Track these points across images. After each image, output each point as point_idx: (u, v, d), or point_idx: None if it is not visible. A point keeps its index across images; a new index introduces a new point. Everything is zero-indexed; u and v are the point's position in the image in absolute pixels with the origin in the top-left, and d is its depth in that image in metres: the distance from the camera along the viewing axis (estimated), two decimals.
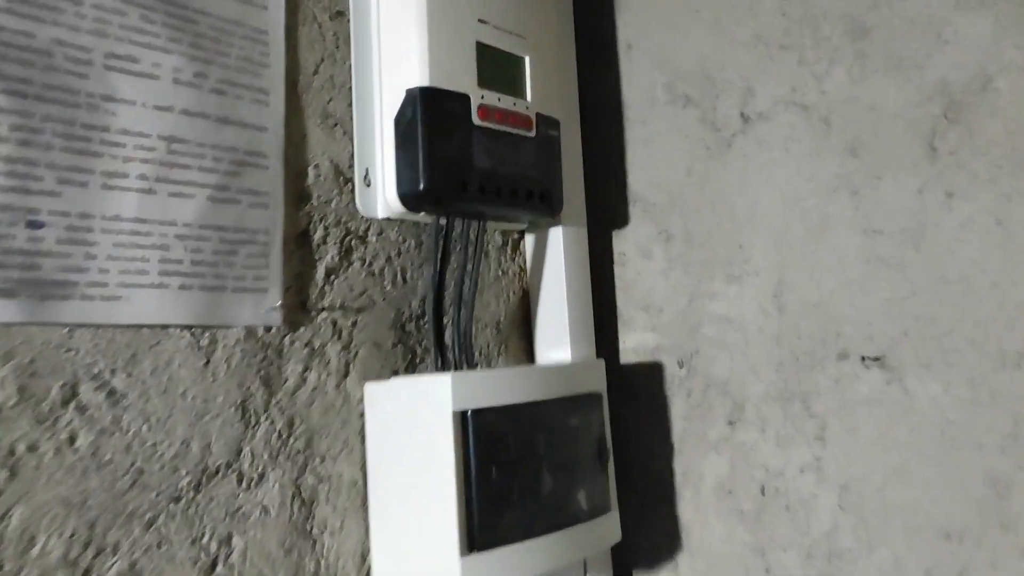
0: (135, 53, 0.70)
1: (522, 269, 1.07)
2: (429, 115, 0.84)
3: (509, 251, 1.05)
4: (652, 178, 1.09)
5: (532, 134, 0.94)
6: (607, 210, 1.13)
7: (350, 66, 0.88)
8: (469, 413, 0.77)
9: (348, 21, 0.88)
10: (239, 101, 0.77)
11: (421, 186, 0.83)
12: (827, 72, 0.93)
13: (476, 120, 0.87)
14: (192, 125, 0.73)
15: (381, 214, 0.87)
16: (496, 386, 0.80)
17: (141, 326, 0.69)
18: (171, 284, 0.71)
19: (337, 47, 0.87)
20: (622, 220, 1.12)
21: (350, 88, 0.88)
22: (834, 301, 0.91)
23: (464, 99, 0.87)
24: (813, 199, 0.93)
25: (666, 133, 1.08)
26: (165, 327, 0.70)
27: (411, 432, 0.79)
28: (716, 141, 1.04)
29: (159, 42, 0.72)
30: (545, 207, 0.96)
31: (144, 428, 0.68)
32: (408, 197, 0.84)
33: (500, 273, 1.04)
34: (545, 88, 0.96)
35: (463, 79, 0.87)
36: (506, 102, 0.91)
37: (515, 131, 0.92)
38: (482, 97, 0.88)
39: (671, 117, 1.08)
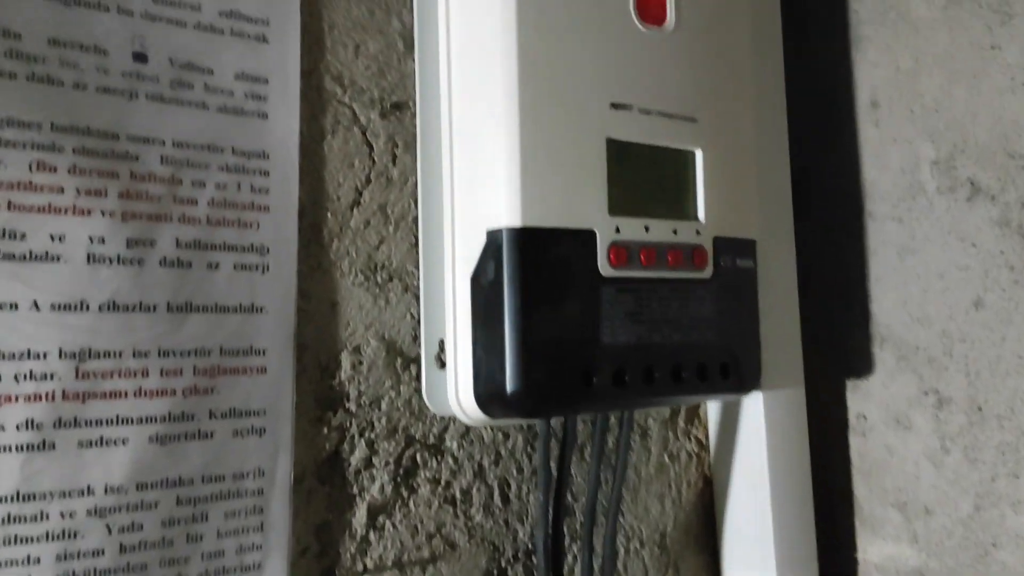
0: (18, 224, 0.43)
1: (702, 447, 0.71)
2: (523, 271, 0.51)
3: (682, 423, 0.70)
4: (914, 308, 0.71)
5: (707, 274, 0.59)
6: (838, 349, 0.75)
7: (415, 186, 0.57)
8: None
9: (413, 116, 0.57)
10: (212, 273, 0.48)
11: (509, 388, 0.51)
12: None
13: (607, 270, 0.54)
14: (122, 326, 0.45)
15: (459, 415, 0.55)
16: None
17: None
18: None
19: (394, 159, 0.56)
20: (862, 367, 0.74)
21: (415, 219, 0.56)
22: None
23: (586, 238, 0.54)
24: None
25: (939, 239, 0.69)
26: None
27: None
28: None
29: (63, 200, 0.44)
30: (730, 384, 0.60)
31: None
32: (490, 402, 0.52)
33: (666, 459, 0.69)
34: (731, 195, 0.61)
35: (583, 206, 0.54)
36: (661, 231, 0.57)
37: (677, 275, 0.57)
38: (617, 230, 0.54)
39: (948, 214, 0.68)
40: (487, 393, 0.52)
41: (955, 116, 0.68)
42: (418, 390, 0.56)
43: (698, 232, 0.59)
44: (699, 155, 0.59)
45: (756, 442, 0.70)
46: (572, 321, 0.53)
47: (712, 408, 0.72)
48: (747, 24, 0.63)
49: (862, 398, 0.75)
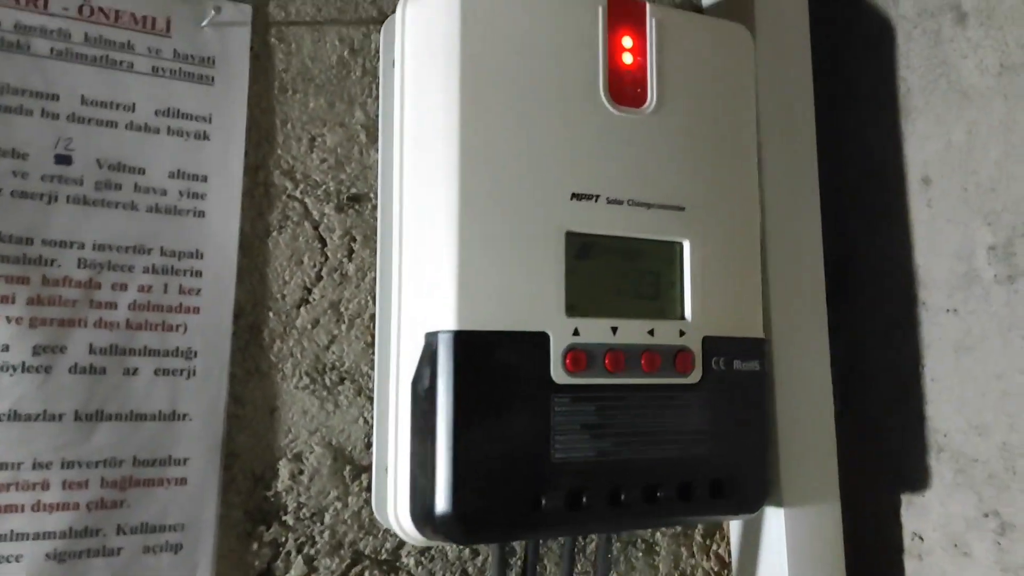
0: None
1: (724, 566, 0.64)
2: (459, 379, 0.47)
3: (699, 537, 0.63)
4: (972, 414, 0.61)
5: (694, 379, 0.52)
6: (890, 458, 0.66)
7: (373, 282, 0.54)
8: None
9: (374, 208, 0.54)
10: (129, 379, 0.47)
11: (438, 510, 0.46)
12: None
13: (561, 376, 0.49)
14: (21, 436, 0.44)
15: (400, 533, 0.51)
16: None
17: None
18: None
19: (350, 254, 0.53)
20: (917, 480, 0.65)
21: (372, 316, 0.53)
22: None
23: (537, 342, 0.48)
24: None
25: (997, 335, 0.60)
26: None
27: None
28: None
29: None
30: (725, 504, 0.53)
31: None
32: (423, 523, 0.47)
33: None
34: (727, 290, 0.54)
35: (534, 306, 0.49)
36: (632, 332, 0.51)
37: (654, 381, 0.51)
38: (575, 332, 0.49)
39: (1006, 307, 0.59)
40: (420, 513, 0.47)
41: (1013, 196, 0.59)
42: (368, 501, 0.52)
43: (682, 332, 0.53)
44: (686, 246, 0.53)
45: (778, 566, 0.61)
46: (517, 435, 0.48)
47: (735, 522, 0.64)
48: (748, 101, 0.57)
49: (917, 515, 0.65)
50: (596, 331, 0.50)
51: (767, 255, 0.61)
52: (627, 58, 0.53)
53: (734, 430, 0.54)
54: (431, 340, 0.47)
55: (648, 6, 0.53)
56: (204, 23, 0.50)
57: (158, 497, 0.47)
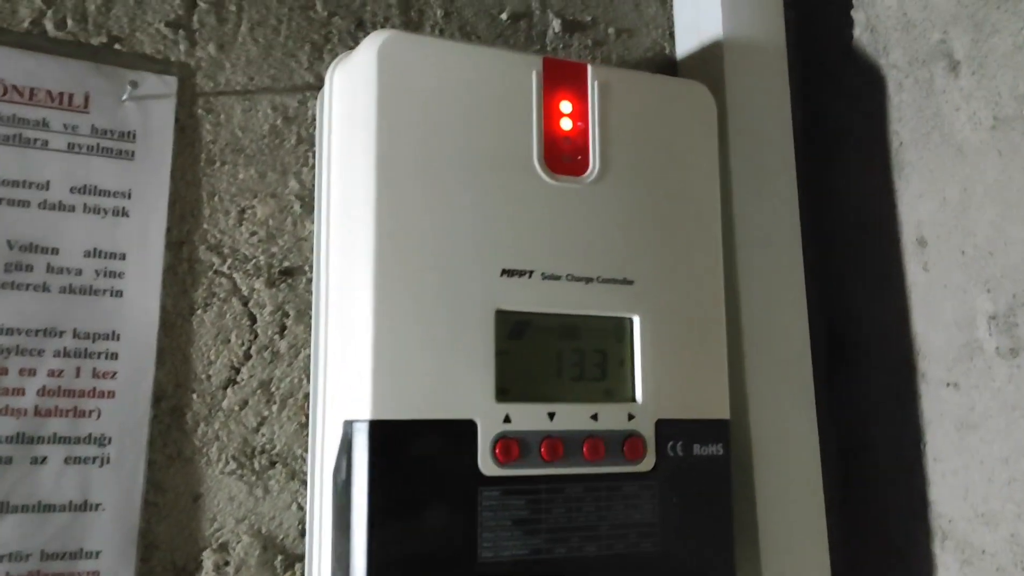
0: None
1: None
2: (375, 472, 0.44)
3: None
4: (977, 500, 0.56)
5: (645, 466, 0.48)
6: (891, 544, 0.61)
7: (308, 359, 0.51)
8: None
9: (309, 281, 0.52)
10: (36, 468, 0.45)
11: None
12: None
13: (490, 467, 0.45)
14: None
15: None
16: None
17: None
18: None
19: (282, 331, 0.51)
20: (920, 570, 0.59)
21: (307, 396, 0.51)
22: None
23: (462, 431, 0.45)
24: None
25: (1001, 414, 0.54)
26: None
27: None
28: None
29: None
30: None
31: None
32: None
33: None
34: (685, 369, 0.50)
35: (459, 393, 0.45)
36: (572, 418, 0.47)
37: (599, 470, 0.47)
38: (506, 419, 0.46)
39: (1011, 383, 0.54)
40: None
41: (1012, 261, 0.54)
42: None
43: (631, 416, 0.49)
44: (636, 322, 0.50)
45: None
46: (440, 533, 0.44)
47: None
48: (710, 164, 0.53)
49: None
50: (530, 417, 0.46)
51: (742, 327, 0.56)
52: (565, 124, 0.49)
53: (694, 522, 0.50)
54: (347, 430, 0.45)
55: (589, 68, 0.50)
56: (124, 97, 0.48)
57: None
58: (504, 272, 0.47)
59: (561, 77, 0.49)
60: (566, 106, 0.50)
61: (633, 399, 0.49)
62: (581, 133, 0.50)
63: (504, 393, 0.46)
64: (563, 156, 0.49)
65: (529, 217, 0.48)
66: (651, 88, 0.52)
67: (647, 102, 0.52)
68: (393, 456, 0.44)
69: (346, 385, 0.45)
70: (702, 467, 0.50)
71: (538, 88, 0.49)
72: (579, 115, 0.50)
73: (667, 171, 0.52)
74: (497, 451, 0.45)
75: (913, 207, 0.60)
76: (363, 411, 0.44)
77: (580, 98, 0.50)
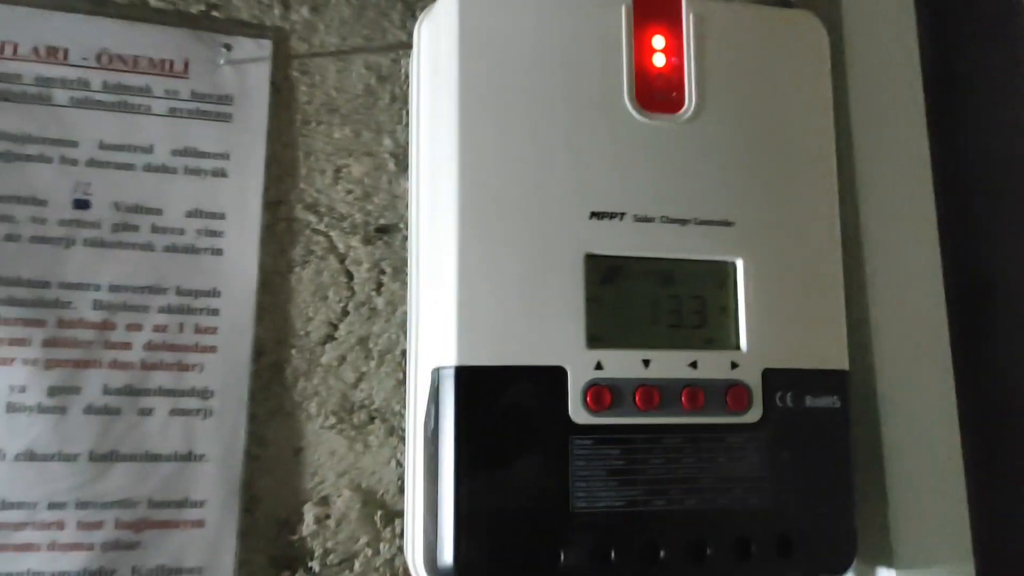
0: None
1: None
2: (462, 420, 0.43)
3: None
4: None
5: (751, 417, 0.45)
6: None
7: (405, 316, 0.51)
8: None
9: (405, 238, 0.52)
10: (143, 419, 0.47)
11: (441, 563, 0.42)
12: None
13: (581, 415, 0.44)
14: (37, 476, 0.45)
15: None
16: None
17: None
18: None
19: (379, 288, 0.51)
20: None
21: (404, 352, 0.51)
22: None
23: (553, 378, 0.44)
24: None
25: None
26: None
27: None
28: None
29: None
30: (800, 564, 0.46)
31: None
32: (432, 575, 0.44)
33: None
34: (797, 315, 0.47)
35: (548, 338, 0.44)
36: (670, 365, 0.45)
37: (700, 420, 0.45)
38: (598, 366, 0.44)
39: None
40: (429, 565, 0.44)
41: None
42: (402, 549, 0.49)
43: (735, 364, 0.46)
44: (739, 266, 0.47)
45: None
46: (530, 482, 0.43)
47: None
48: (822, 99, 0.50)
49: None
50: (624, 364, 0.44)
51: (866, 274, 0.52)
52: (658, 60, 0.47)
53: (808, 477, 0.46)
54: (434, 378, 0.44)
55: (684, 0, 0.48)
56: (221, 62, 0.50)
57: (174, 539, 0.46)
58: (593, 215, 0.45)
59: (653, 11, 0.47)
60: (659, 41, 0.48)
61: (737, 347, 0.46)
62: (676, 69, 0.48)
63: (596, 340, 0.44)
64: (656, 93, 0.47)
65: (620, 157, 0.46)
66: (754, 19, 0.49)
67: (749, 35, 0.49)
68: (480, 403, 0.43)
69: (435, 335, 0.45)
70: (816, 420, 0.47)
71: (628, 23, 0.47)
72: (673, 50, 0.48)
73: (772, 108, 0.49)
74: (588, 399, 0.44)
75: None
76: (449, 358, 0.43)
77: (674, 33, 0.48)
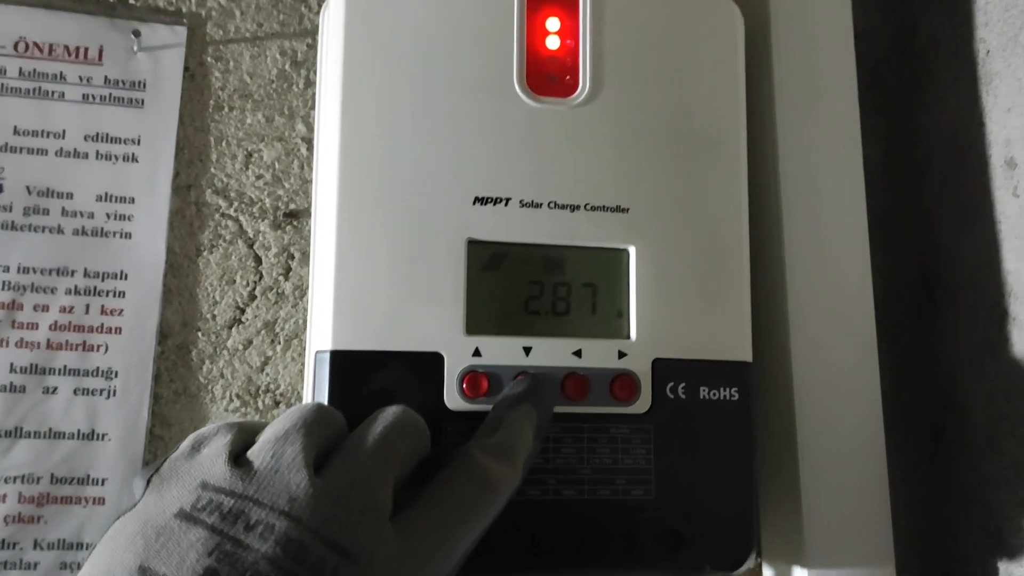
0: None
1: None
2: (339, 404, 0.43)
3: None
4: None
5: (638, 408, 0.45)
6: (983, 515, 0.53)
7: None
8: None
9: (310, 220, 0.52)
10: (48, 398, 0.48)
11: None
12: None
13: (456, 402, 0.43)
14: None
15: None
16: None
17: None
18: None
19: (287, 273, 0.52)
20: (1017, 545, 0.51)
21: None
22: None
23: (428, 364, 0.43)
24: None
25: None
26: None
27: None
28: None
29: None
30: (690, 559, 0.45)
31: None
32: None
33: None
34: (693, 304, 0.46)
35: (426, 323, 0.44)
36: (552, 353, 0.44)
37: (580, 410, 0.44)
38: (476, 353, 0.44)
39: None
40: None
41: None
42: None
43: (622, 354, 0.45)
44: (632, 254, 0.46)
45: None
46: None
47: None
48: (729, 84, 0.48)
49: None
50: (503, 351, 0.44)
51: (786, 263, 0.51)
52: (552, 42, 0.46)
53: (700, 469, 0.45)
54: (314, 362, 0.44)
55: None
56: (135, 48, 0.51)
57: (76, 515, 0.48)
58: (477, 200, 0.45)
59: None
60: (553, 23, 0.47)
61: (627, 336, 0.45)
62: (570, 52, 0.47)
63: (475, 326, 0.44)
64: (548, 77, 0.46)
65: (507, 141, 0.45)
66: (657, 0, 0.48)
67: (653, 15, 0.48)
68: (354, 387, 0.43)
69: (317, 319, 0.45)
70: (712, 412, 0.46)
71: (520, 5, 0.46)
72: (568, 32, 0.47)
73: (675, 91, 0.47)
74: (465, 385, 0.43)
75: (1002, 124, 0.52)
76: (326, 342, 0.43)
77: (570, 14, 0.47)
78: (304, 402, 0.43)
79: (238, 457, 0.35)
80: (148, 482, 0.35)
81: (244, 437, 0.36)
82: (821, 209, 0.52)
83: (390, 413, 0.38)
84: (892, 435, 0.52)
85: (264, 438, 0.36)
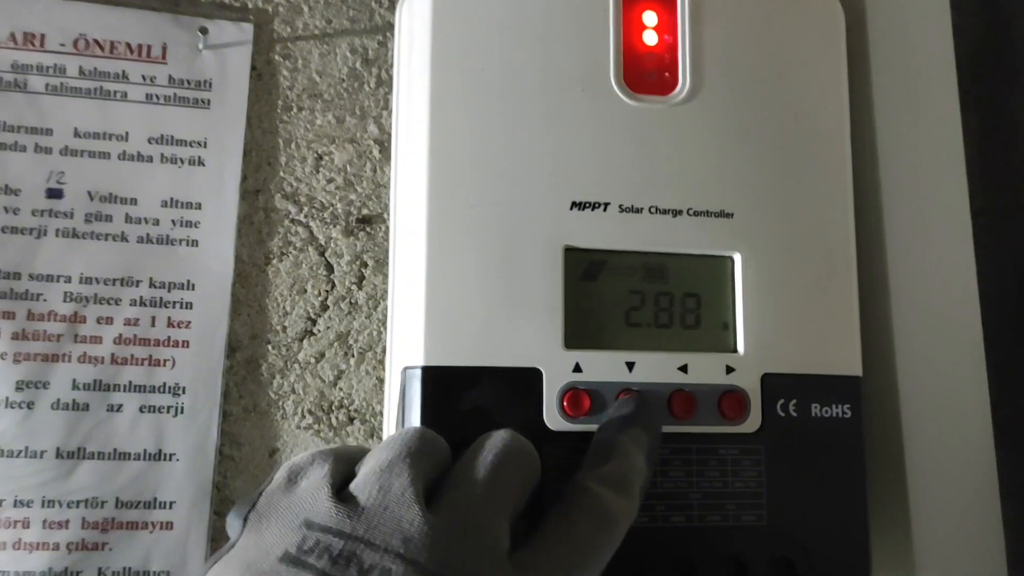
0: None
1: None
2: (431, 424, 0.40)
3: None
4: None
5: (749, 427, 0.42)
6: None
7: (386, 311, 0.49)
8: None
9: (387, 229, 0.49)
10: (112, 416, 0.45)
11: None
12: None
13: (556, 422, 0.40)
14: (3, 472, 0.44)
15: None
16: None
17: None
18: None
19: (360, 282, 0.49)
20: None
21: (384, 349, 0.48)
22: None
23: (526, 380, 0.41)
24: None
25: None
26: None
27: None
28: None
29: None
30: None
31: None
32: None
33: None
34: (804, 315, 0.43)
35: (523, 338, 0.41)
36: (657, 368, 0.41)
37: (689, 429, 0.41)
38: (576, 368, 0.41)
39: None
40: None
41: None
42: None
43: (730, 369, 0.42)
44: (738, 261, 0.43)
45: None
46: None
47: None
48: (833, 83, 0.46)
49: None
50: (605, 367, 0.41)
51: (889, 271, 0.48)
52: (649, 38, 0.44)
53: (813, 492, 0.42)
54: (403, 378, 0.41)
55: None
56: (200, 46, 0.48)
57: (142, 541, 0.45)
58: (574, 205, 0.42)
59: None
60: (650, 18, 0.44)
61: (734, 350, 0.42)
62: (668, 48, 0.44)
63: (574, 339, 0.41)
64: (646, 73, 0.43)
65: (604, 142, 0.42)
66: None
67: (753, 10, 0.45)
68: (447, 405, 0.40)
69: (405, 333, 0.42)
70: (824, 430, 0.43)
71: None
72: (666, 27, 0.44)
73: (778, 89, 0.45)
74: (565, 403, 0.40)
75: None
76: (417, 357, 0.40)
77: (668, 8, 0.44)
78: (398, 425, 0.40)
79: (340, 490, 0.32)
80: (245, 520, 0.32)
81: (343, 467, 0.34)
82: (924, 211, 0.49)
83: (499, 439, 0.35)
84: (1000, 449, 0.49)
85: (367, 469, 0.33)
